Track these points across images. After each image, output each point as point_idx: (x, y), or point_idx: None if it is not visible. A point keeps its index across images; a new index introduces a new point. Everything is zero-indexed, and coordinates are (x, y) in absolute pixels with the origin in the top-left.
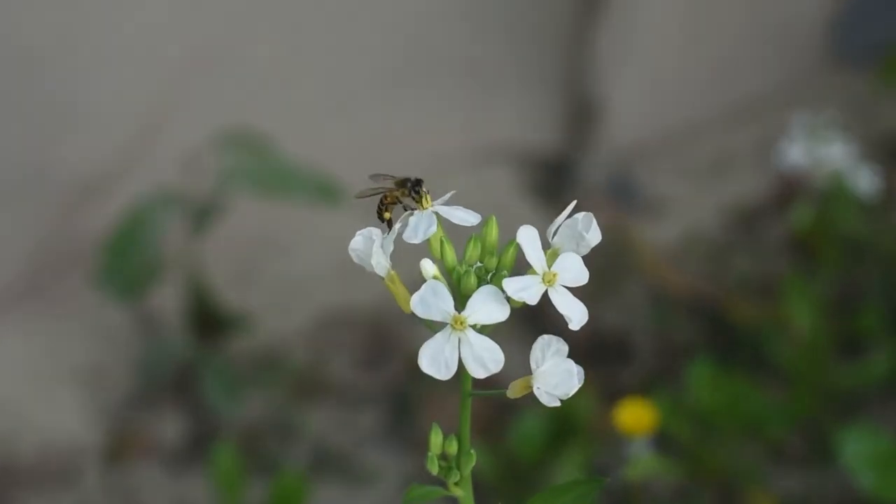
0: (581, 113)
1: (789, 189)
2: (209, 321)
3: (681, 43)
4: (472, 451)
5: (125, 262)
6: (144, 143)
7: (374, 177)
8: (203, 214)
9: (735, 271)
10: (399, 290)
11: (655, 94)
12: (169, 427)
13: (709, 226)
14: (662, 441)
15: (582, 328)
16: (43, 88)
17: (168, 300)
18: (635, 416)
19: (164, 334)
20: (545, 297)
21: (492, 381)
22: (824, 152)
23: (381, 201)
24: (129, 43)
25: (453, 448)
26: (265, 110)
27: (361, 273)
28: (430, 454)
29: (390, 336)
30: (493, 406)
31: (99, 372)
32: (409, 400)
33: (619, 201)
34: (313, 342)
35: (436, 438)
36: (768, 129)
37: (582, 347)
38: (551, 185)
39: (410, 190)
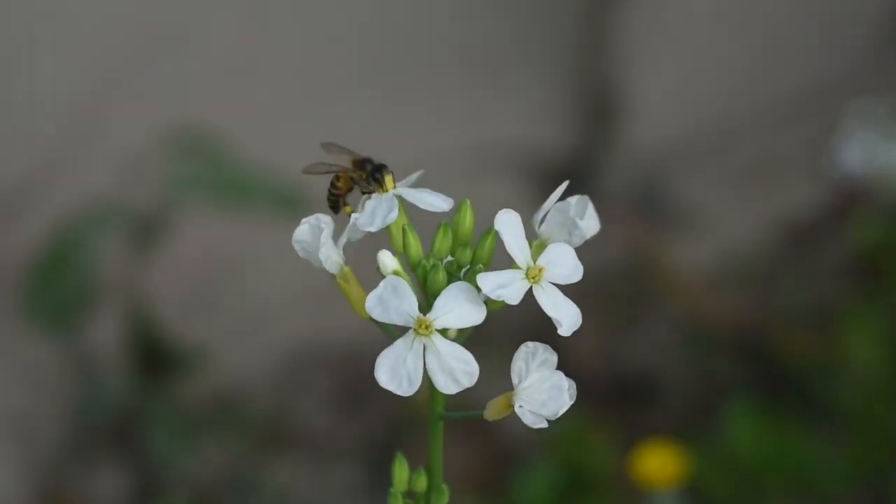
0: (600, 109)
1: (848, 198)
2: (155, 359)
3: (719, 29)
4: (445, 487)
5: (54, 289)
6: (78, 146)
7: (327, 146)
8: (147, 231)
9: (783, 298)
10: (354, 290)
11: (688, 87)
12: (107, 483)
13: (751, 243)
14: (695, 497)
15: (602, 364)
16: None
17: (106, 334)
18: (659, 464)
19: (101, 374)
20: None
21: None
22: (888, 151)
23: (332, 182)
24: (63, 28)
25: (422, 483)
26: (222, 107)
27: (334, 300)
28: (392, 491)
29: (367, 375)
30: (493, 456)
31: (25, 419)
32: (390, 450)
33: (645, 214)
34: (278, 383)
35: (401, 472)
36: (820, 129)
37: (601, 387)
38: (564, 194)
39: (370, 175)
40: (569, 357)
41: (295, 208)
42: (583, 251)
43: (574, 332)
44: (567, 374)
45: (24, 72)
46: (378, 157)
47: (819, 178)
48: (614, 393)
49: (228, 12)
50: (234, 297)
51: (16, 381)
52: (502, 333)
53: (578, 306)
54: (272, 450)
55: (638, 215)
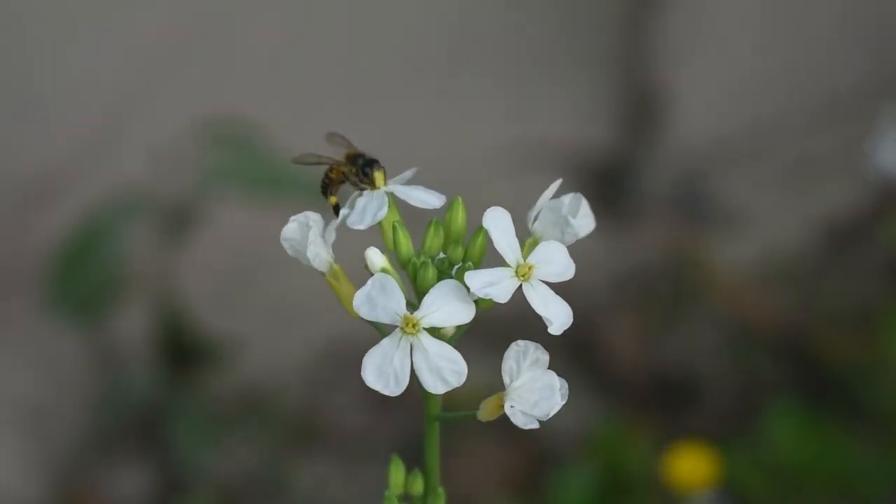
0: (642, 108)
1: (886, 200)
2: (183, 352)
3: (763, 29)
4: (442, 490)
5: (79, 278)
6: (110, 136)
7: (331, 137)
8: (178, 221)
9: (825, 299)
10: (344, 288)
11: (731, 87)
12: (129, 482)
13: (794, 244)
14: (735, 500)
15: (641, 365)
16: None
17: (133, 326)
18: (692, 466)
19: (126, 367)
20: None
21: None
22: None
23: (325, 175)
24: (98, 17)
25: (418, 487)
26: (262, 100)
27: None
28: (387, 494)
29: None
30: (530, 458)
31: (44, 413)
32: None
33: (686, 214)
34: (310, 379)
35: (396, 475)
36: (863, 130)
37: (642, 388)
38: (606, 193)
39: (360, 170)
40: (609, 358)
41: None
42: (623, 249)
43: (615, 333)
44: (607, 375)
45: (62, 61)
46: (371, 153)
47: (858, 179)
48: (655, 394)
49: (273, 5)
50: (266, 291)
51: (37, 373)
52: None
53: (617, 306)
54: (302, 448)
55: (679, 215)
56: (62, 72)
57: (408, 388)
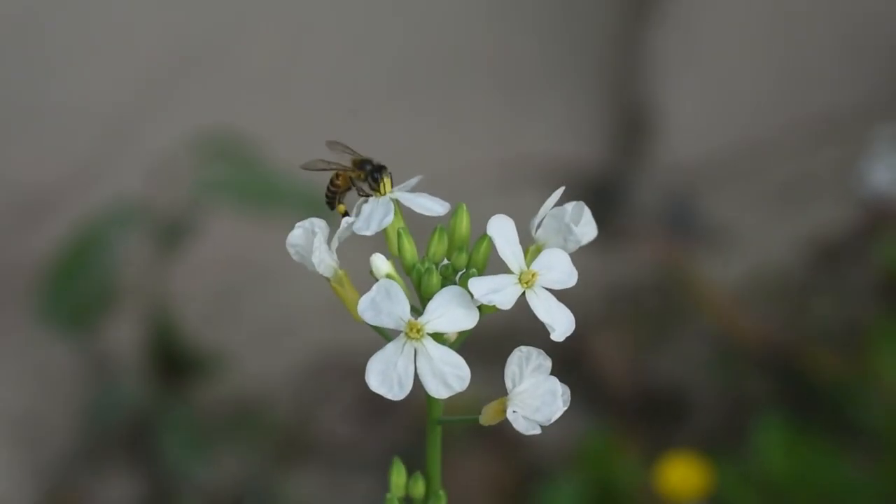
0: (632, 125)
1: (877, 218)
2: (174, 363)
3: (750, 49)
4: (443, 493)
5: (71, 289)
6: (107, 152)
7: (332, 144)
8: (172, 233)
9: (814, 316)
10: (349, 294)
11: (721, 104)
12: (119, 491)
13: (782, 261)
14: None
15: (630, 380)
16: None
17: (125, 337)
18: (682, 477)
19: (117, 378)
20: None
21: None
22: None
23: (331, 181)
24: (101, 33)
25: (419, 489)
26: (256, 115)
27: None
28: (389, 497)
29: None
30: (519, 471)
31: (36, 422)
32: (413, 461)
33: (676, 230)
34: (299, 391)
35: (398, 478)
36: (853, 149)
37: (630, 402)
38: (597, 209)
39: (368, 175)
40: (598, 372)
41: (322, 213)
42: (613, 266)
43: (604, 349)
44: (596, 390)
45: (60, 78)
46: (378, 159)
47: (848, 198)
48: (643, 409)
49: (268, 25)
50: (257, 303)
51: (28, 382)
52: None
53: (607, 321)
54: (292, 460)
55: (668, 232)
56: (60, 89)
57: (394, 404)
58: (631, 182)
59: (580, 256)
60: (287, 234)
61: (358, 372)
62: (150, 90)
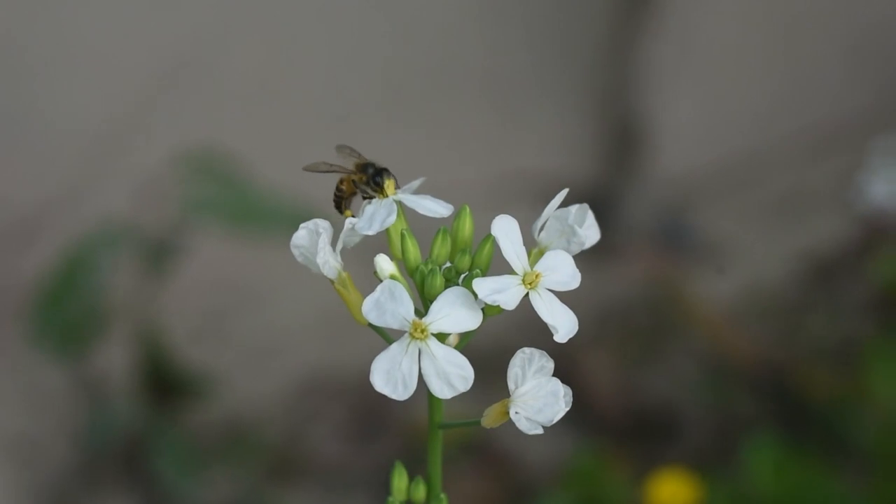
0: (624, 138)
1: (874, 233)
2: (166, 384)
3: (745, 61)
4: (444, 496)
5: (62, 311)
6: (96, 168)
7: (341, 149)
8: (160, 254)
9: (808, 334)
10: (352, 296)
11: (714, 117)
12: None
13: (776, 278)
14: None
15: (620, 399)
16: None
17: (116, 359)
18: (672, 492)
19: (109, 400)
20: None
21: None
22: None
23: (336, 188)
24: (85, 52)
25: (420, 493)
26: (244, 134)
27: (350, 327)
28: (391, 500)
29: (383, 404)
30: (510, 490)
31: (29, 444)
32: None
33: (668, 246)
34: (290, 411)
35: (399, 482)
36: (846, 163)
37: (620, 420)
38: None
39: (370, 179)
40: (588, 391)
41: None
42: (604, 283)
43: (593, 366)
44: (586, 408)
45: (44, 97)
46: (382, 162)
47: (845, 212)
48: (633, 427)
49: (253, 41)
50: (246, 323)
51: (21, 405)
52: None
53: (598, 339)
54: (283, 479)
55: (661, 247)
56: (45, 109)
57: (383, 420)
58: (623, 197)
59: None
60: (273, 254)
61: (347, 391)
62: (136, 108)
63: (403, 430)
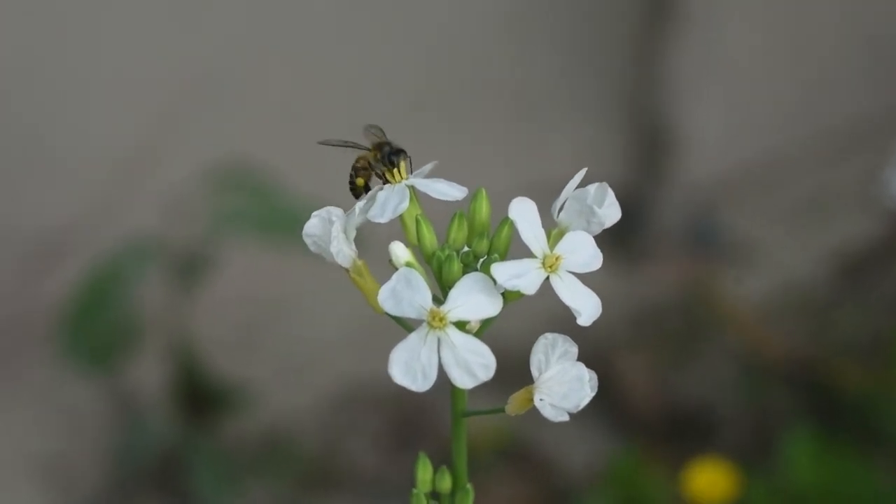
0: (652, 143)
1: None
2: (200, 398)
3: (771, 63)
4: (470, 487)
5: (94, 327)
6: (124, 186)
7: (368, 129)
8: (192, 267)
9: (840, 331)
10: (368, 284)
11: (741, 120)
12: None
13: (808, 277)
14: None
15: (656, 400)
16: (3, 123)
17: (149, 373)
18: (710, 482)
19: (143, 415)
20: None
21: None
22: None
23: (353, 167)
24: (111, 70)
25: (446, 484)
26: (272, 147)
27: (385, 337)
28: (415, 492)
29: (420, 414)
30: (547, 493)
31: (64, 461)
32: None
33: (699, 248)
34: (326, 423)
35: (424, 473)
36: (873, 161)
37: (657, 422)
38: (618, 229)
39: (385, 157)
40: (625, 394)
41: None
42: (637, 286)
43: (628, 368)
44: (623, 411)
45: (70, 118)
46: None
47: (871, 210)
48: (670, 428)
49: (280, 57)
50: (280, 335)
51: (54, 423)
52: None
53: (632, 342)
54: (320, 491)
55: (693, 250)
56: (73, 128)
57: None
58: (653, 202)
59: (603, 279)
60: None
61: (383, 401)
62: (164, 124)
63: (439, 440)
